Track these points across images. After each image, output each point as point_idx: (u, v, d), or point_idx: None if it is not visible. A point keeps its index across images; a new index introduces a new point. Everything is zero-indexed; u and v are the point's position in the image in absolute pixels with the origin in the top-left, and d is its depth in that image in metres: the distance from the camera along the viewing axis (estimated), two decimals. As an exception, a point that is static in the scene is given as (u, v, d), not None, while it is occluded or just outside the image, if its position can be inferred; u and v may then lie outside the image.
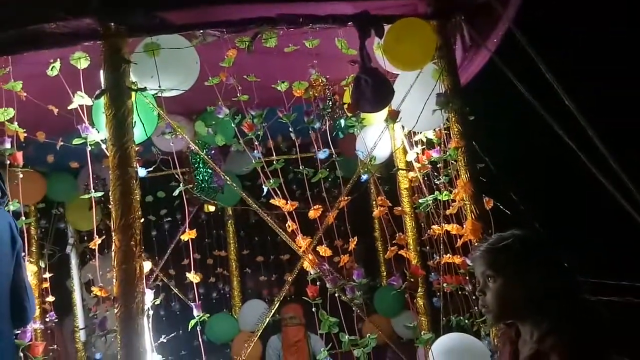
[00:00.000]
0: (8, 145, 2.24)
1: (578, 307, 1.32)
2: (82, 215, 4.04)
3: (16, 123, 2.31)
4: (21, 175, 2.27)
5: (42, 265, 3.78)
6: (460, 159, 2.40)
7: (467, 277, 2.55)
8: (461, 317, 2.63)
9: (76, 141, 2.24)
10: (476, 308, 2.57)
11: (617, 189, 1.99)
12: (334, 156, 2.51)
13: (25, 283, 1.88)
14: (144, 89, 2.24)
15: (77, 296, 4.36)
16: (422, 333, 2.57)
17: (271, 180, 2.40)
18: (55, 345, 3.83)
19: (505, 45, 2.51)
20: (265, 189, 2.49)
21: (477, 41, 2.45)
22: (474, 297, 2.60)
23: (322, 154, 2.54)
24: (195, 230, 2.55)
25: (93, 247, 2.24)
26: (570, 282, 1.35)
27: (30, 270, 2.54)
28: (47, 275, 3.58)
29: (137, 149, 2.20)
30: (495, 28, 2.44)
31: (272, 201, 2.41)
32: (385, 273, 4.68)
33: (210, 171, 3.89)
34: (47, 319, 3.39)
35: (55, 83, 2.27)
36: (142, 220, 2.14)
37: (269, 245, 5.11)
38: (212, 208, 4.30)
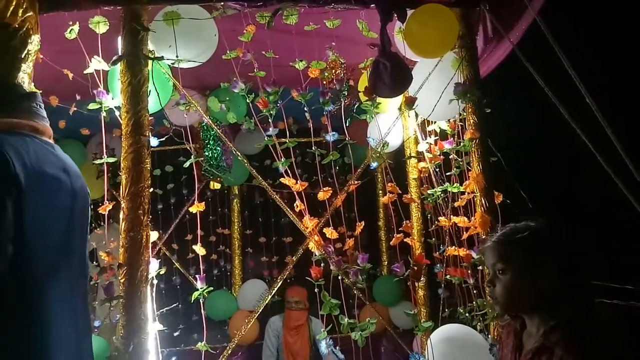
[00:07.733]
0: (23, 106, 2.23)
1: (587, 305, 1.31)
2: (88, 184, 4.05)
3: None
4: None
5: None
6: (474, 150, 2.38)
7: (469, 271, 2.54)
8: (461, 311, 2.63)
9: (91, 106, 2.23)
10: (475, 303, 2.57)
11: (631, 191, 1.96)
12: (347, 139, 2.49)
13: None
14: (161, 58, 2.23)
15: (79, 264, 4.39)
16: (421, 321, 2.57)
17: (282, 159, 2.39)
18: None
19: (527, 40, 2.47)
20: (278, 167, 2.48)
21: (500, 32, 2.41)
22: (474, 291, 2.60)
23: (331, 137, 2.52)
24: (202, 204, 2.55)
25: (103, 212, 2.24)
26: (582, 280, 1.33)
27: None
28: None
29: (150, 118, 2.20)
30: (519, 21, 2.40)
31: (281, 180, 2.40)
32: (386, 262, 4.69)
33: (219, 149, 3.88)
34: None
35: (69, 48, 2.25)
36: (151, 189, 2.14)
37: (273, 227, 5.12)
38: (217, 185, 4.30)
